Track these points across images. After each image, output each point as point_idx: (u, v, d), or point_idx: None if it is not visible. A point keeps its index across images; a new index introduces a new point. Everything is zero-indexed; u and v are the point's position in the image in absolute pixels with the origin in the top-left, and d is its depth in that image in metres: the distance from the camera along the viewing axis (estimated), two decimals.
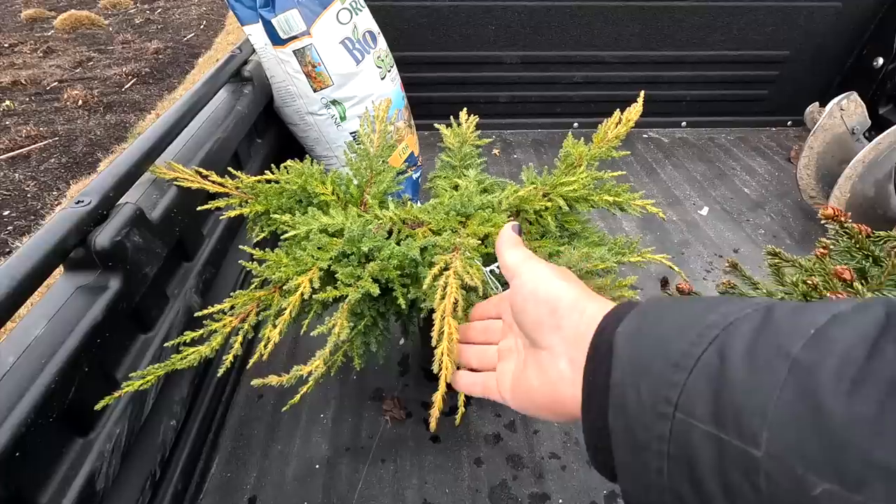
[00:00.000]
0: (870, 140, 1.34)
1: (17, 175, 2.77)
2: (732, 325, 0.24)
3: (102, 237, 0.65)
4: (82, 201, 0.65)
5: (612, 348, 0.28)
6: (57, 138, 3.05)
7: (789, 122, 2.19)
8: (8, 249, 2.25)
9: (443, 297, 0.52)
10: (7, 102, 3.41)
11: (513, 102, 2.05)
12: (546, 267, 0.38)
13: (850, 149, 1.46)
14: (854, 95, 1.43)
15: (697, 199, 1.74)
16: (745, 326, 0.23)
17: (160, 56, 4.23)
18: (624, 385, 0.26)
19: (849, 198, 1.35)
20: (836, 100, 1.42)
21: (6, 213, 2.50)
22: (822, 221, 0.51)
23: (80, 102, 3.42)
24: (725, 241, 1.54)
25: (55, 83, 3.73)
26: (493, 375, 0.41)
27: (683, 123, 2.17)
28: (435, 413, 0.46)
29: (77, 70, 3.96)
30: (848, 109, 1.42)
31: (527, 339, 0.37)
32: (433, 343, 0.53)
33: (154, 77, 3.88)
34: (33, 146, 2.96)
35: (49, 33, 4.69)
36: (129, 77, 3.83)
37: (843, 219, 0.52)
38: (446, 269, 0.61)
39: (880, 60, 1.86)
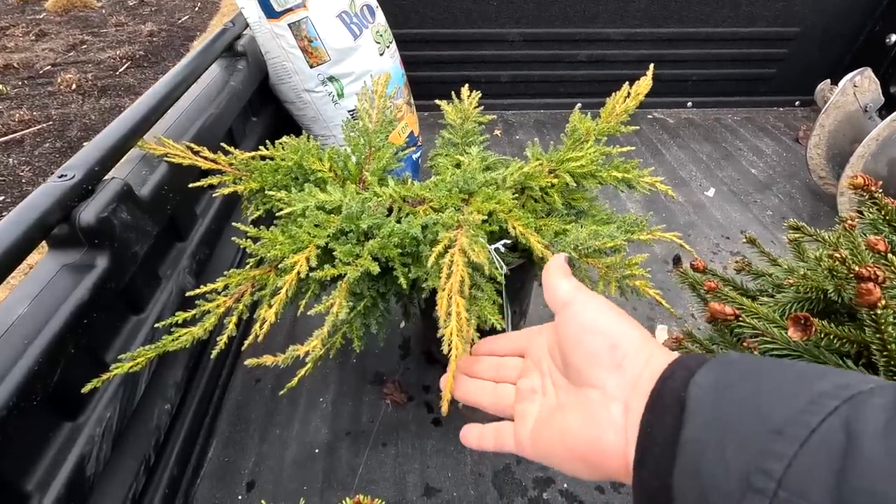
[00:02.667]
0: (883, 118, 1.30)
1: (11, 160, 2.73)
2: (857, 399, 0.21)
3: (87, 213, 0.62)
4: (65, 175, 0.62)
5: (685, 401, 0.24)
6: (51, 123, 3.00)
7: (797, 102, 2.14)
8: None
9: (448, 276, 0.49)
10: (0, 87, 3.35)
11: (515, 82, 2.00)
12: (605, 301, 0.34)
13: (862, 127, 1.42)
14: (868, 71, 1.39)
15: (703, 181, 1.70)
16: (876, 401, 0.20)
17: (154, 39, 4.15)
18: (701, 444, 0.23)
19: None
20: (849, 76, 1.37)
21: (1, 198, 2.47)
22: (850, 191, 0.48)
23: (73, 86, 3.36)
24: (732, 223, 1.50)
25: (48, 67, 3.66)
26: (506, 424, 0.37)
27: (689, 104, 2.12)
28: (446, 396, 0.43)
29: (70, 53, 3.89)
30: (861, 86, 1.38)
31: (569, 376, 0.33)
32: (440, 323, 0.50)
33: (148, 60, 3.81)
34: (27, 131, 2.91)
35: (41, 16, 4.60)
36: (124, 60, 3.76)
37: (873, 188, 0.49)
38: (450, 247, 0.58)
39: (893, 37, 1.80)
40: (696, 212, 1.55)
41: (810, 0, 1.84)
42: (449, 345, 0.47)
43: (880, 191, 0.49)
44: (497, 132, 1.96)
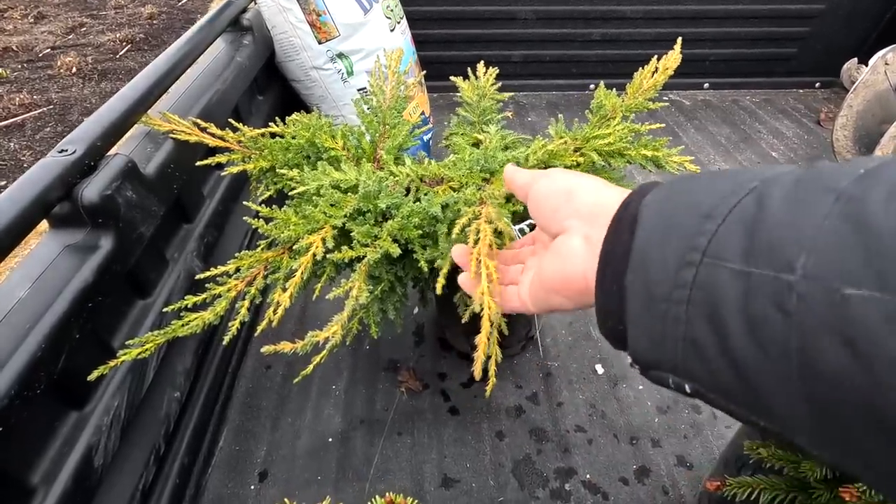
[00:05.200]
0: None
1: (12, 144, 2.69)
2: (771, 179, 0.23)
3: (90, 190, 0.58)
4: (66, 150, 0.58)
5: (637, 217, 0.27)
6: (51, 106, 2.95)
7: (818, 84, 2.07)
8: None
9: (476, 242, 0.46)
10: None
11: (526, 62, 1.94)
12: (563, 169, 0.39)
13: (892, 107, 1.36)
14: None
15: (722, 164, 1.65)
16: (786, 178, 0.23)
17: (155, 21, 4.08)
18: (648, 245, 0.26)
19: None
20: (881, 53, 1.31)
21: (2, 182, 2.44)
22: None
23: (73, 70, 3.30)
24: None
25: (48, 50, 3.60)
26: (511, 286, 0.41)
27: (706, 85, 2.06)
28: (479, 356, 0.42)
29: (70, 36, 3.82)
30: (893, 64, 1.32)
31: (548, 235, 0.37)
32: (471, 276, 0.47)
33: (149, 43, 3.75)
34: (28, 115, 2.87)
35: None
36: (124, 43, 3.70)
37: None
38: (476, 218, 0.54)
39: None
40: None
41: None
42: (480, 305, 0.44)
43: None
44: (508, 113, 1.90)
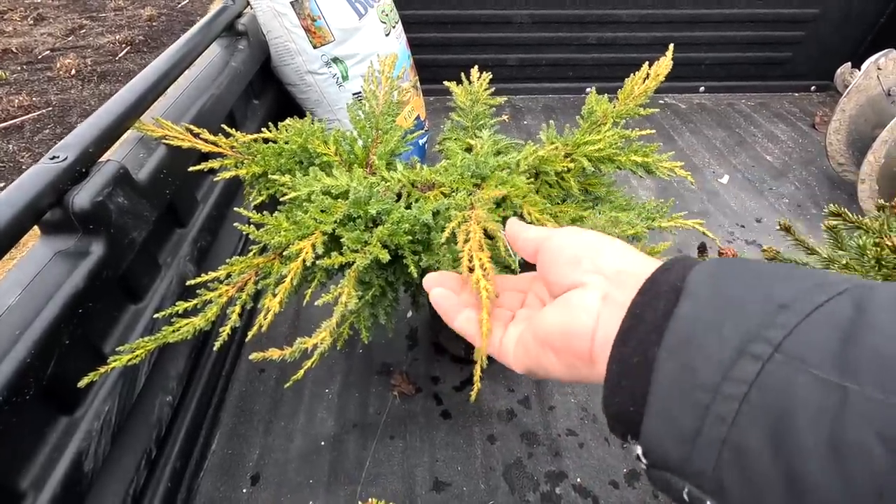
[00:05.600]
0: None
1: (10, 146, 2.69)
2: (866, 285, 0.20)
3: (81, 197, 0.58)
4: (57, 157, 0.58)
5: (683, 286, 0.23)
6: (51, 108, 2.96)
7: (813, 87, 2.08)
8: None
9: (466, 240, 0.46)
10: None
11: (522, 66, 1.94)
12: (578, 228, 0.34)
13: (885, 112, 1.37)
14: (894, 53, 1.34)
15: (717, 167, 1.66)
16: (884, 288, 0.19)
17: (154, 23, 4.09)
18: (695, 320, 0.22)
19: (883, 164, 1.26)
20: (873, 58, 1.32)
21: (1, 185, 2.44)
22: (871, 179, 0.44)
23: (73, 71, 3.31)
24: (747, 211, 1.46)
25: (47, 52, 3.61)
26: (497, 330, 0.36)
27: (702, 89, 2.06)
28: (483, 333, 0.39)
29: (69, 38, 3.83)
30: (886, 69, 1.33)
31: (555, 286, 0.32)
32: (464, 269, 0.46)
33: (148, 45, 3.75)
34: (27, 116, 2.87)
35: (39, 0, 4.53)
36: (123, 45, 3.70)
37: None
38: (465, 221, 0.54)
39: None
40: (709, 199, 1.51)
41: None
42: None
43: None
44: (505, 117, 1.91)
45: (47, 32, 3.88)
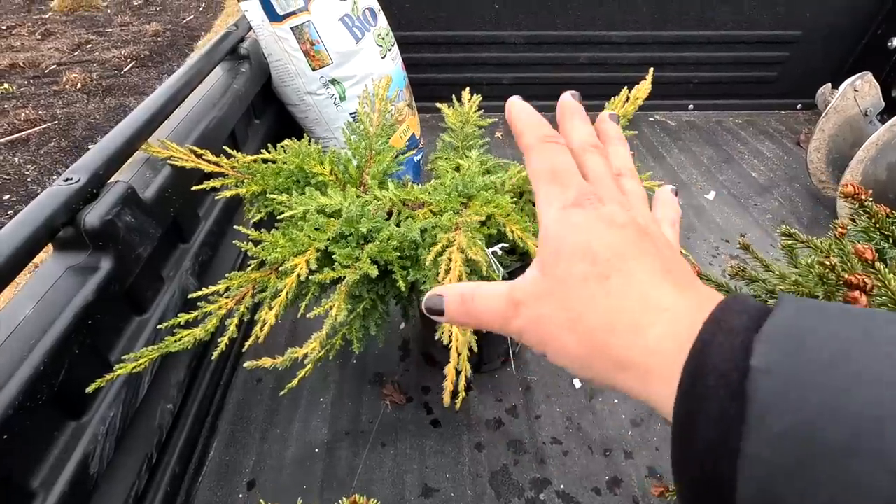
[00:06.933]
0: (883, 122, 1.30)
1: (16, 159, 2.75)
2: None
3: (92, 216, 0.63)
4: (71, 178, 0.63)
5: (745, 390, 0.16)
6: (56, 122, 3.02)
7: (799, 106, 2.14)
8: None
9: (447, 271, 0.50)
10: (5, 85, 3.37)
11: (516, 84, 2.00)
12: None
13: (862, 131, 1.42)
14: (868, 76, 1.39)
15: (704, 184, 1.70)
16: None
17: (159, 39, 4.17)
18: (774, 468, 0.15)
19: (860, 181, 1.31)
20: (849, 80, 1.38)
21: (6, 196, 2.49)
22: (842, 199, 0.49)
23: (78, 86, 3.38)
24: (732, 226, 1.51)
25: (54, 66, 3.68)
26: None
27: (691, 106, 2.12)
28: (450, 370, 0.42)
29: (76, 53, 3.91)
30: (861, 90, 1.38)
31: None
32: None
33: (153, 60, 3.83)
34: (32, 130, 2.93)
35: (47, 15, 4.62)
36: (128, 60, 3.78)
37: (863, 197, 0.49)
38: (448, 246, 0.59)
39: (895, 41, 1.80)
40: (696, 215, 1.56)
41: (812, 3, 1.84)
42: (449, 336, 0.48)
43: (870, 199, 0.49)
44: (498, 135, 1.97)
45: (54, 47, 3.97)
